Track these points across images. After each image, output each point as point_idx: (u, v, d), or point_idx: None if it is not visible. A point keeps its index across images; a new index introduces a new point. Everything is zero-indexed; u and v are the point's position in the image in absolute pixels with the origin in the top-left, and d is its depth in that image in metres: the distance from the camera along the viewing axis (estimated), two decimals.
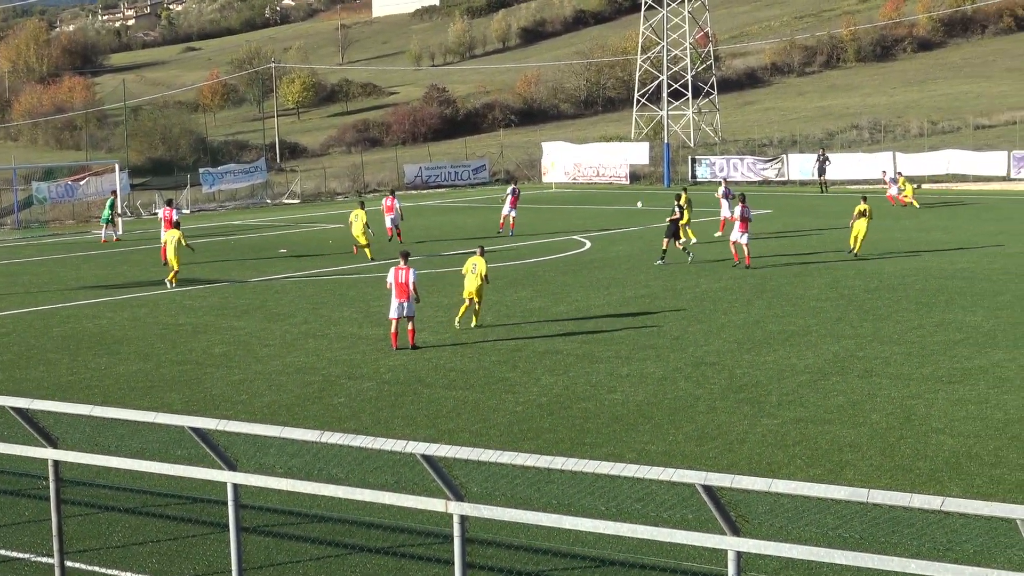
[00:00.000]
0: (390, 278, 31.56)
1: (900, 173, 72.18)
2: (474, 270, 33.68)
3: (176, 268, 44.06)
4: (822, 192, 78.43)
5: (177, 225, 46.38)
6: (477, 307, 34.08)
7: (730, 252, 45.79)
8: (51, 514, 16.70)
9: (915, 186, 68.61)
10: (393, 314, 31.47)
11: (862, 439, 21.87)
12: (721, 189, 56.43)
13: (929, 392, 25.09)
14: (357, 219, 51.32)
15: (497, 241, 54.57)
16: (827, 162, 79.61)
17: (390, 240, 55.96)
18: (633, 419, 23.70)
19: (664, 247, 46.50)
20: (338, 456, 16.54)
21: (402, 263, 31.61)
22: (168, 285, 43.64)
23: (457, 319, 34.15)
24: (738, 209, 45.73)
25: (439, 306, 37.49)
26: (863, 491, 11.53)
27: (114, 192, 65.56)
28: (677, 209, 47.15)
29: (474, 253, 34.56)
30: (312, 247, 55.27)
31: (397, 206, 57.40)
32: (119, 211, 64.93)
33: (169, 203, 54.27)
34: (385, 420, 24.08)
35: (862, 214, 46.98)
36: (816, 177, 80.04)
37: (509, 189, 59.29)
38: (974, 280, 39.96)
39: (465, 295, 33.99)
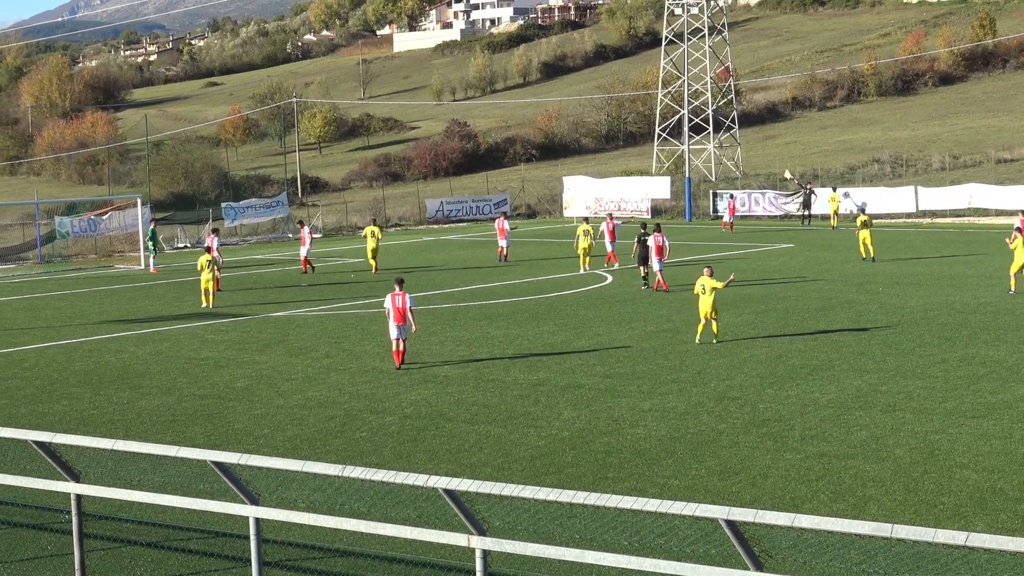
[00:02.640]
0: (387, 303, 33.79)
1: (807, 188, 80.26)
2: (703, 290, 35.70)
3: (210, 289, 47.23)
4: (803, 225, 78.69)
5: (208, 250, 49.62)
6: (714, 324, 36.00)
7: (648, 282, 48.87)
8: (74, 548, 16.73)
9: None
10: (393, 335, 33.63)
11: (886, 474, 21.79)
12: (606, 224, 58.27)
13: (953, 427, 24.99)
14: (372, 236, 58.51)
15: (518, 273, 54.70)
16: (813, 195, 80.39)
17: (304, 273, 58.38)
18: (656, 453, 23.65)
19: (642, 274, 49.21)
20: (360, 490, 16.53)
21: (398, 289, 33.93)
22: (207, 306, 47.03)
23: (698, 337, 36.04)
24: (652, 238, 48.31)
25: (460, 340, 37.53)
26: (887, 526, 11.49)
27: (154, 220, 65.97)
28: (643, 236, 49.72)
29: (702, 273, 36.44)
30: (334, 281, 55.34)
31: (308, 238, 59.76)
32: (144, 244, 65.29)
33: (215, 232, 55.89)
34: (407, 454, 24.06)
35: (864, 224, 56.09)
36: (801, 211, 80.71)
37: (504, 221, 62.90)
38: (997, 314, 39.82)
39: (701, 315, 35.95)
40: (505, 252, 61.82)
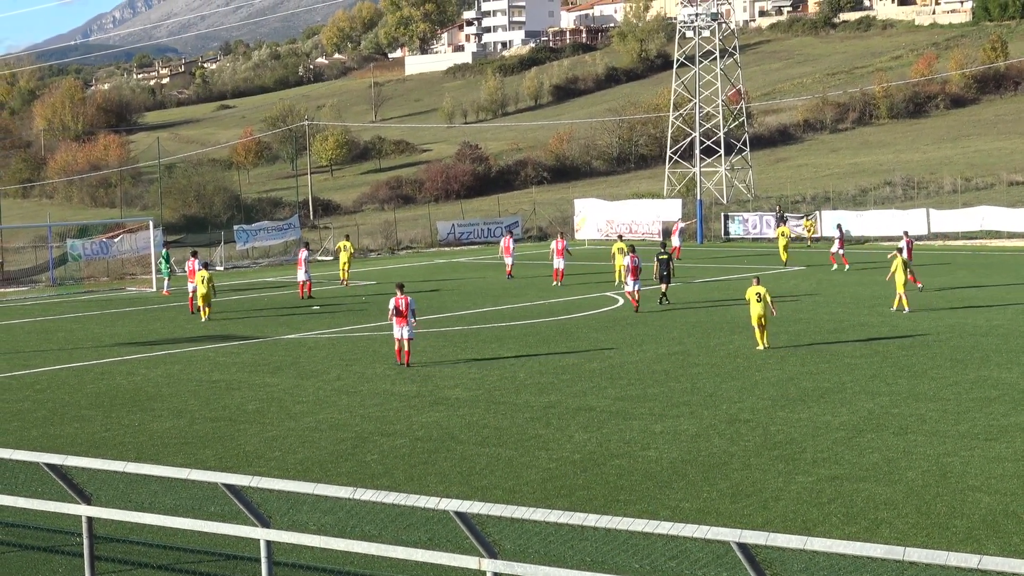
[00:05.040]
0: (391, 305, 37.34)
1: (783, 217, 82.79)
2: (759, 298, 38.17)
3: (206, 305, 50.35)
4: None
5: (207, 266, 52.36)
6: (764, 331, 38.53)
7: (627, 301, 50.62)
8: (85, 571, 16.73)
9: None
10: (397, 335, 37.19)
11: (898, 497, 21.74)
12: (560, 243, 61.19)
13: (965, 449, 24.93)
14: (345, 250, 64.62)
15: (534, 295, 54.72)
16: (784, 219, 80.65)
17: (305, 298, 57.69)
18: (667, 476, 23.61)
19: (663, 290, 51.17)
20: (371, 513, 16.51)
21: (399, 293, 37.44)
22: (203, 319, 50.12)
23: (759, 344, 38.49)
24: (628, 259, 49.70)
25: (471, 363, 37.52)
26: (899, 549, 11.47)
27: (167, 244, 66.32)
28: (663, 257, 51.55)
29: (752, 283, 39.23)
30: (345, 303, 55.34)
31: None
32: (157, 267, 65.49)
33: (194, 254, 56.31)
34: (418, 477, 24.04)
35: (782, 234, 67.98)
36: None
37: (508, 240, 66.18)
38: (1009, 337, 39.75)
39: (754, 322, 38.59)
40: (510, 269, 64.66)
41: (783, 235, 68.29)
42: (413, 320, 37.30)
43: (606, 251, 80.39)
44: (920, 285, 51.70)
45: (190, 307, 53.26)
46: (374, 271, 71.01)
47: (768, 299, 38.35)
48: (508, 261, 64.73)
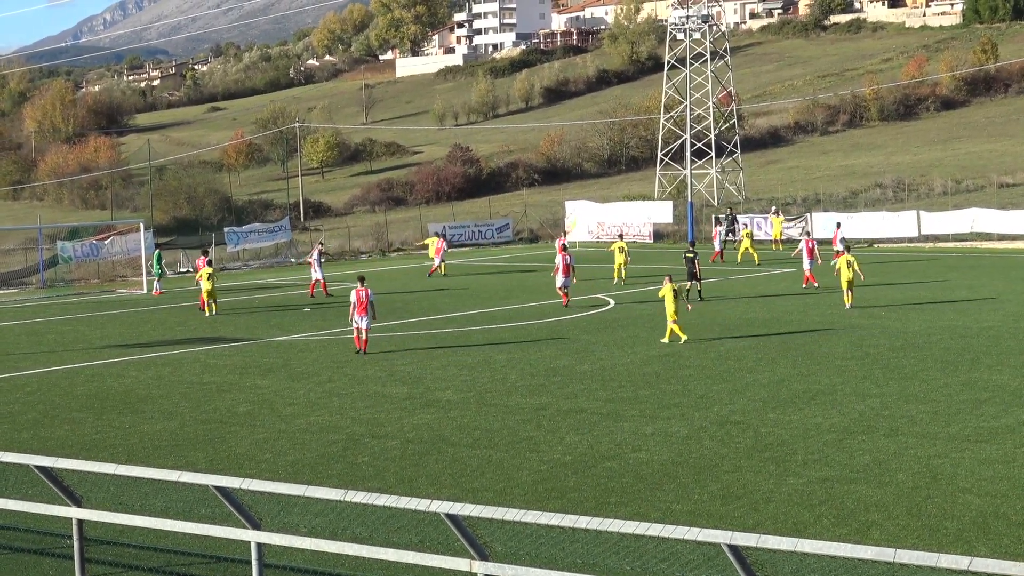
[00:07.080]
0: (352, 298, 39.96)
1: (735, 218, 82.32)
2: (676, 294, 40.36)
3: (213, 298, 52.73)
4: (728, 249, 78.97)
5: (210, 263, 54.87)
6: (675, 327, 40.38)
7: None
8: (75, 573, 16.71)
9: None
10: (354, 325, 39.98)
11: (888, 498, 21.76)
12: (560, 241, 63.69)
13: (956, 451, 24.95)
14: (432, 244, 70.55)
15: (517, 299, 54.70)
16: (735, 222, 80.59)
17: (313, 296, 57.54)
18: (658, 478, 23.62)
19: (687, 288, 50.61)
20: (362, 515, 16.51)
21: (360, 285, 40.22)
22: (207, 313, 52.48)
23: (681, 336, 40.27)
24: (559, 258, 51.93)
25: (462, 365, 37.51)
26: (890, 551, 11.49)
27: (159, 245, 66.45)
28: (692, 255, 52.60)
29: (664, 282, 40.79)
30: (336, 306, 55.31)
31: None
32: (148, 268, 65.52)
33: (204, 253, 57.23)
34: (409, 479, 24.03)
35: (749, 235, 70.35)
36: (726, 237, 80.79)
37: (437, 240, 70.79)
38: (1000, 339, 39.79)
39: (673, 316, 40.23)
40: (435, 268, 68.18)
41: (747, 236, 70.57)
42: (372, 311, 40.14)
43: (597, 253, 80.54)
44: (816, 284, 54.76)
45: (201, 304, 53.86)
46: (367, 274, 70.87)
47: (683, 294, 41.82)
48: (437, 261, 68.26)
